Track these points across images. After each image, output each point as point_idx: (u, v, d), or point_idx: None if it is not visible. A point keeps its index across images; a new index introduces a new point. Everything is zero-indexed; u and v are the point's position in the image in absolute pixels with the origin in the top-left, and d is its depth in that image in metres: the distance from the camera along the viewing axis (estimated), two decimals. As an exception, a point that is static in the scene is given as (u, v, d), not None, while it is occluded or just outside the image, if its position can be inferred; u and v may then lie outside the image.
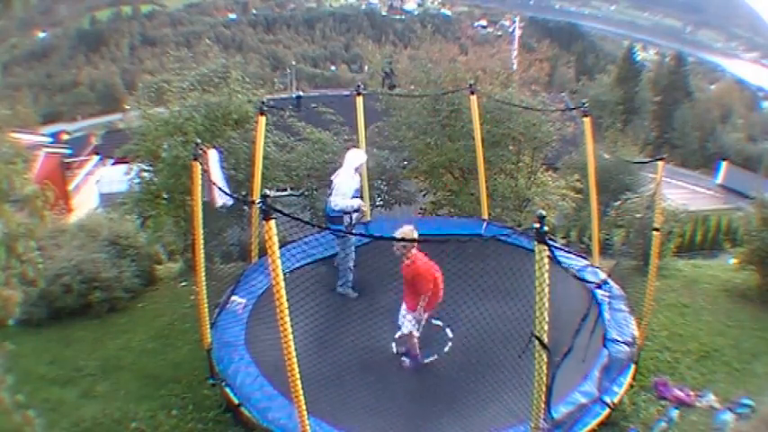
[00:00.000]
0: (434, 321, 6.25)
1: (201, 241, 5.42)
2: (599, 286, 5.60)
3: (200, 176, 5.39)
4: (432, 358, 5.93)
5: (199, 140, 5.81)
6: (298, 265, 6.65)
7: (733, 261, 9.30)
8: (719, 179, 27.71)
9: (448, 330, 6.26)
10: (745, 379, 6.32)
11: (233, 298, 6.38)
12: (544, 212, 3.97)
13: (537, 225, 3.86)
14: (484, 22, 76.64)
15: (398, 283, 6.42)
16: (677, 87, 40.53)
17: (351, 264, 6.68)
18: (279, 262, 3.99)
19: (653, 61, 52.91)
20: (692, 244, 13.45)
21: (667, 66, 44.27)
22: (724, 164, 29.04)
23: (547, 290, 4.00)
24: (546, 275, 3.96)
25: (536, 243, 3.92)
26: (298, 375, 4.16)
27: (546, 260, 3.94)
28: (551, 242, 4.03)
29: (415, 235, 5.63)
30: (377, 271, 6.56)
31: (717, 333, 7.29)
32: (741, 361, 6.72)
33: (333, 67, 68.81)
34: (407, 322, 5.68)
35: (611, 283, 6.36)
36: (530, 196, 8.98)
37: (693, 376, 6.42)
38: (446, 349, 6.07)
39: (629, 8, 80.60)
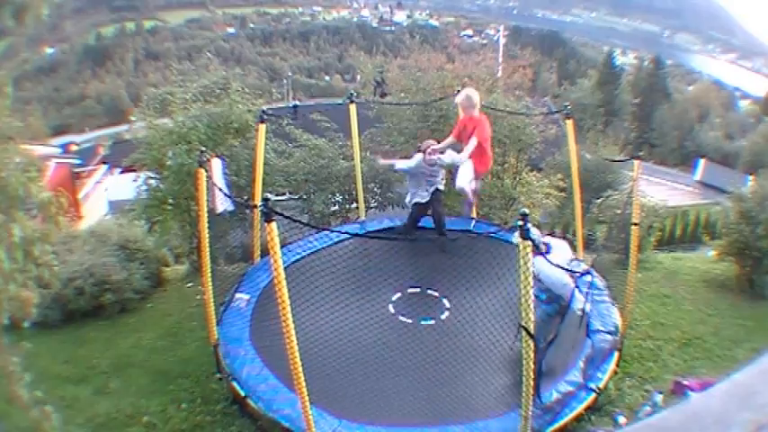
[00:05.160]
0: (430, 291, 6.62)
1: (208, 243, 5.62)
2: (582, 275, 5.74)
3: (205, 182, 5.60)
4: (430, 322, 6.28)
5: (204, 149, 6.01)
6: (298, 257, 6.92)
7: (712, 253, 9.55)
8: (698, 176, 27.98)
9: (445, 300, 6.59)
10: (727, 365, 6.40)
11: (237, 295, 6.60)
12: (527, 210, 4.21)
13: (521, 222, 4.07)
14: (470, 32, 77.47)
15: (396, 278, 6.76)
16: (656, 89, 41.25)
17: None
18: (281, 261, 4.19)
19: (632, 65, 53.65)
20: (672, 238, 13.75)
21: (646, 69, 44.97)
22: (702, 161, 29.43)
23: (531, 283, 4.20)
24: (530, 270, 4.15)
25: (520, 239, 4.11)
26: (300, 368, 4.31)
27: (529, 255, 4.12)
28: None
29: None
30: (374, 268, 6.76)
31: (698, 321, 7.49)
32: (722, 348, 6.90)
33: (327, 78, 69.62)
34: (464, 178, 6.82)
35: (595, 273, 6.50)
36: (515, 195, 9.21)
37: (676, 363, 6.59)
38: (443, 316, 6.40)
39: (609, 15, 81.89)
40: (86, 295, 7.22)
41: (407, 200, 7.69)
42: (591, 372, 5.52)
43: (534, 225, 5.50)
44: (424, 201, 7.43)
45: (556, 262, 5.25)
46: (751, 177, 13.23)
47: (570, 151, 7.78)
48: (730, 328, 7.36)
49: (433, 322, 6.31)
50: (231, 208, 6.55)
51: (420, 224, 7.67)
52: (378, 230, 7.85)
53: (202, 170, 5.60)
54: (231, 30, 77.14)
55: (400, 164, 7.66)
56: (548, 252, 5.40)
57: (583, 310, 5.54)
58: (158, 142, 7.72)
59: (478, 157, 7.09)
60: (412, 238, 7.40)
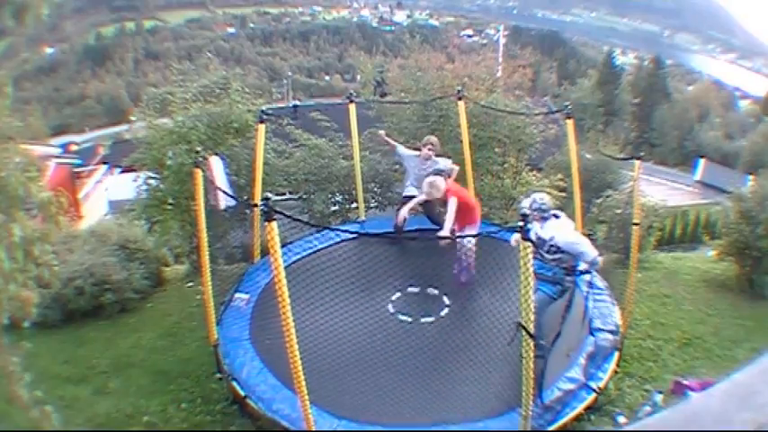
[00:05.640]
0: (431, 290, 6.64)
1: (206, 243, 5.63)
2: (581, 274, 5.70)
3: (201, 182, 5.59)
4: (430, 319, 6.31)
5: (200, 149, 6.03)
6: (298, 257, 6.92)
7: (712, 253, 9.57)
8: (698, 176, 27.84)
9: (445, 297, 6.63)
10: (727, 365, 6.42)
11: (237, 295, 6.63)
12: (526, 210, 4.24)
13: (521, 223, 4.08)
14: (470, 32, 77.62)
15: (395, 278, 6.77)
16: (656, 89, 41.33)
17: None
18: (281, 261, 4.21)
19: (632, 65, 53.65)
20: (672, 237, 13.77)
21: (646, 69, 45.00)
22: (702, 161, 29.31)
23: (531, 282, 4.21)
24: (530, 268, 4.17)
25: (520, 240, 4.12)
26: (300, 367, 4.33)
27: (530, 254, 4.15)
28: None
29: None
30: (374, 268, 6.69)
31: (698, 321, 7.53)
32: (722, 348, 6.93)
33: (327, 77, 70.10)
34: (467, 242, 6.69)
35: (594, 273, 6.43)
36: (515, 195, 9.20)
37: (676, 362, 6.61)
38: (443, 313, 6.41)
39: (609, 15, 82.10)
40: (86, 295, 7.24)
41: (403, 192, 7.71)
42: (592, 369, 5.53)
43: (547, 192, 5.52)
44: (410, 193, 7.40)
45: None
46: (751, 177, 13.21)
47: (570, 151, 7.80)
48: (730, 328, 7.39)
49: (432, 319, 6.32)
50: (233, 203, 6.56)
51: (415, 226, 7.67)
52: (377, 232, 7.83)
53: (199, 170, 5.61)
54: (231, 30, 77.53)
55: (399, 147, 7.66)
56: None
57: (584, 309, 5.55)
58: (158, 142, 7.72)
59: (467, 213, 6.80)
60: (411, 238, 7.39)
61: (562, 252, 5.30)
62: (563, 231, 5.34)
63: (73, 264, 7.27)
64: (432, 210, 7.51)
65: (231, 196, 6.05)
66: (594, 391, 5.36)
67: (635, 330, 7.06)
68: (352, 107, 8.17)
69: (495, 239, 6.47)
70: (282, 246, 4.54)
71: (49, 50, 66.35)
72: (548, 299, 5.37)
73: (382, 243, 7.40)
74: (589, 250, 5.30)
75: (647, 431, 1.47)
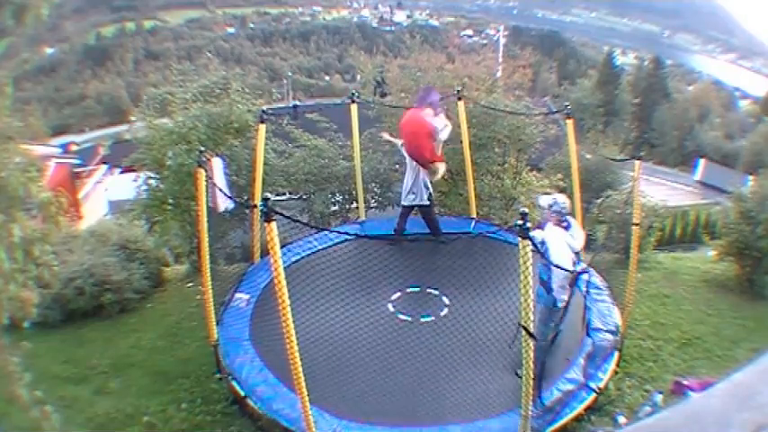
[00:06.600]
0: (431, 290, 6.66)
1: (208, 243, 5.63)
2: (581, 273, 5.71)
3: (204, 182, 5.60)
4: (429, 319, 6.29)
5: (203, 148, 6.03)
6: (298, 257, 6.93)
7: (712, 253, 9.58)
8: (698, 176, 27.93)
9: (444, 298, 6.61)
10: (726, 365, 6.47)
11: (237, 295, 6.62)
12: (527, 210, 4.21)
13: (520, 222, 4.06)
14: (470, 32, 77.54)
15: (395, 278, 6.77)
16: (656, 89, 41.28)
17: None
18: (280, 261, 4.21)
19: (632, 65, 53.60)
20: (672, 237, 13.81)
21: (646, 69, 44.97)
22: (702, 161, 29.36)
23: (531, 282, 4.19)
24: (530, 269, 4.14)
25: (520, 239, 4.10)
26: (300, 367, 4.32)
27: (529, 254, 4.11)
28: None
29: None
30: (373, 268, 6.70)
31: (697, 321, 7.55)
32: (722, 348, 6.95)
33: (327, 78, 70.12)
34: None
35: (594, 273, 6.54)
36: (515, 195, 9.18)
37: (676, 363, 6.64)
38: (443, 313, 6.39)
39: (609, 15, 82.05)
40: (86, 295, 7.26)
41: (402, 198, 7.78)
42: (591, 370, 5.53)
43: (563, 191, 5.48)
44: (409, 203, 7.55)
45: (571, 243, 5.27)
46: (751, 177, 13.22)
47: (570, 151, 7.81)
48: (730, 328, 7.41)
49: (432, 319, 6.30)
50: (232, 206, 6.56)
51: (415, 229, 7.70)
52: (377, 232, 7.88)
53: (201, 170, 5.61)
54: (231, 30, 77.53)
55: (399, 143, 7.74)
56: (568, 229, 5.38)
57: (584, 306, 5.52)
58: (158, 142, 7.73)
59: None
60: (412, 239, 7.41)
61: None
62: (556, 247, 5.22)
63: (73, 264, 7.29)
64: (426, 216, 7.54)
65: (230, 197, 6.02)
66: (594, 391, 5.35)
67: (635, 330, 7.07)
68: (354, 107, 8.17)
69: (495, 240, 6.53)
70: (282, 246, 4.54)
71: (49, 50, 66.38)
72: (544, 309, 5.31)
73: (382, 243, 7.40)
74: (557, 284, 5.20)
75: (647, 431, 1.47)
